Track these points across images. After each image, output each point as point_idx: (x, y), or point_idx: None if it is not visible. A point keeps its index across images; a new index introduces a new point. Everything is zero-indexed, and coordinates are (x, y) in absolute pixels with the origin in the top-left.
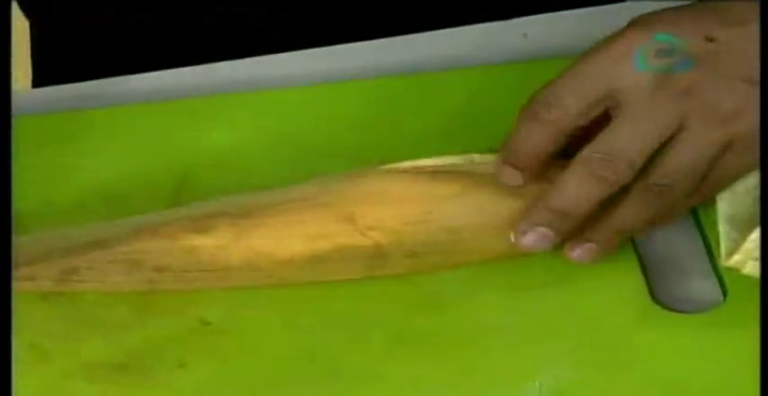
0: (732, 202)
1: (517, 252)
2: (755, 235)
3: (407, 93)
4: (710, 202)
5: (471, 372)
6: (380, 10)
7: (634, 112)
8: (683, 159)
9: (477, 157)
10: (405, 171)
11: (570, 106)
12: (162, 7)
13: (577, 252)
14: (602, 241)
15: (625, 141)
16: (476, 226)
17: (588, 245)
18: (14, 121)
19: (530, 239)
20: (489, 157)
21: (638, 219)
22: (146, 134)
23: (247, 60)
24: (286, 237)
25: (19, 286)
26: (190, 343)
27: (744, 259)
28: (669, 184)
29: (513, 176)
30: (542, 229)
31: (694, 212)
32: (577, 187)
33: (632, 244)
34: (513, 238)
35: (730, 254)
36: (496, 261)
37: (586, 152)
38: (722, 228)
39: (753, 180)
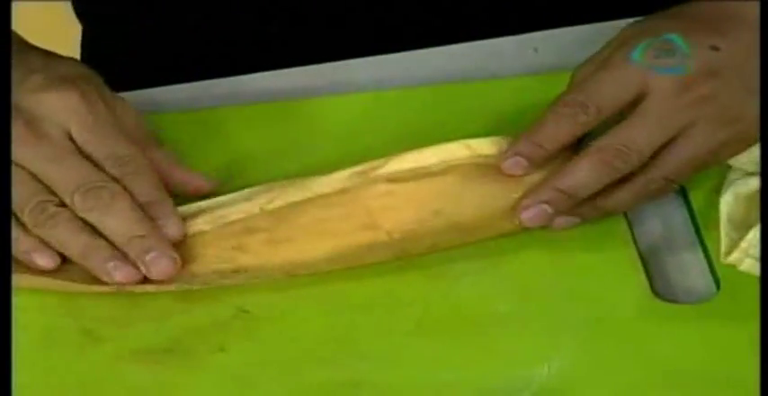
0: (733, 205)
1: (519, 230)
2: (751, 235)
3: (432, 100)
4: (714, 205)
5: (486, 356)
6: (406, 29)
7: (653, 112)
8: (689, 155)
9: (472, 142)
10: (409, 172)
11: (606, 110)
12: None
13: (559, 221)
14: (586, 216)
15: (640, 136)
16: (481, 216)
17: (573, 218)
18: None
19: (530, 214)
20: (483, 141)
21: (631, 203)
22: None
23: (276, 72)
24: (317, 248)
25: (73, 288)
26: (229, 329)
27: (741, 257)
28: (674, 179)
29: (520, 166)
30: (544, 206)
31: (693, 213)
32: (588, 172)
33: (634, 242)
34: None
35: (729, 252)
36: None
37: (604, 142)
38: (723, 228)
39: (754, 183)
